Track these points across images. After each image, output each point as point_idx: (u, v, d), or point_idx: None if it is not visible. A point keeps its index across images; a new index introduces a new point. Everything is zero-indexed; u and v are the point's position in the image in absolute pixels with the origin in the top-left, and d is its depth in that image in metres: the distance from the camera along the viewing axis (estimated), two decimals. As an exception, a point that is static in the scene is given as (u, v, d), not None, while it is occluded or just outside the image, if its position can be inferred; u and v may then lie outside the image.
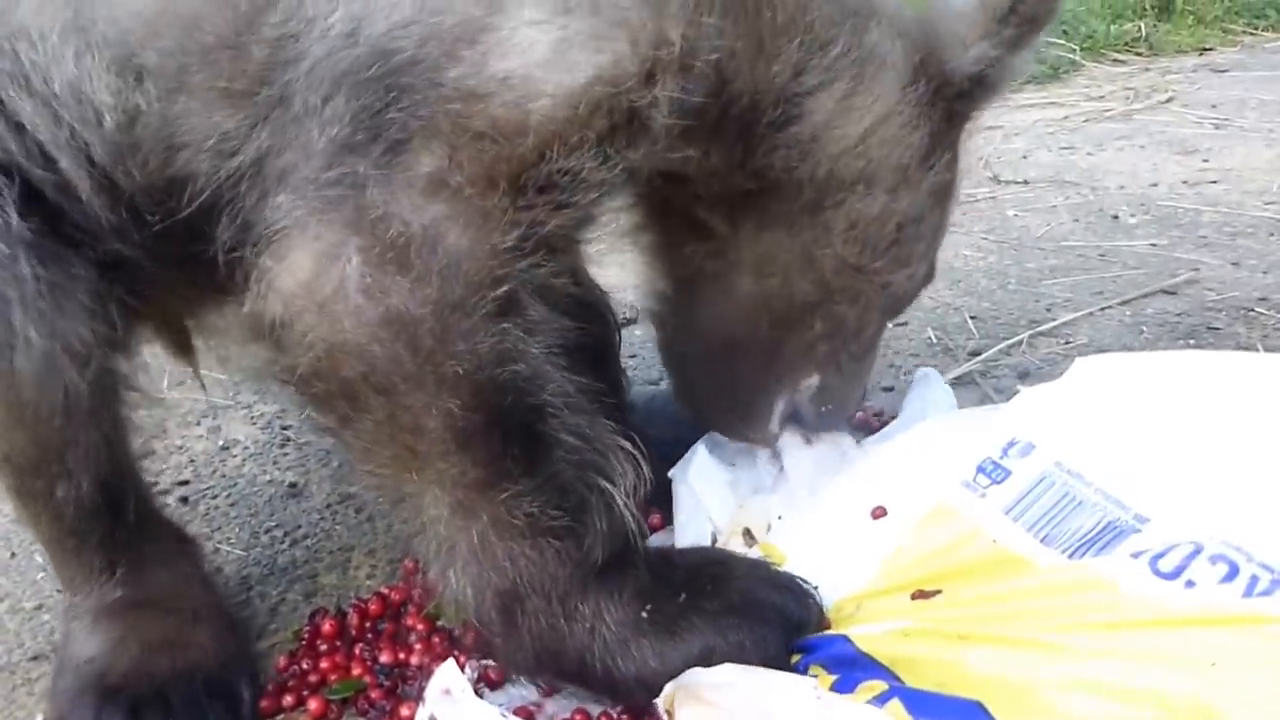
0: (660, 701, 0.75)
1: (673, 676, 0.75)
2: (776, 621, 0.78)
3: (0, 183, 0.72)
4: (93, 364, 0.76)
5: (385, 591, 0.97)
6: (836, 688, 0.73)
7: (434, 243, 0.68)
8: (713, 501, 0.97)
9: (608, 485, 0.76)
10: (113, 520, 0.84)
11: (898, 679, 0.72)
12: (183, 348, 0.98)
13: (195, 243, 0.76)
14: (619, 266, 1.13)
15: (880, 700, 0.70)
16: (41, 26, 0.71)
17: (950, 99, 0.87)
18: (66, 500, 0.79)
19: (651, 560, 0.82)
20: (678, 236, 0.92)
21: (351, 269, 0.68)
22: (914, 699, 0.69)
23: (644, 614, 0.77)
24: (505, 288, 0.70)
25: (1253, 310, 1.53)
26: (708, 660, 0.75)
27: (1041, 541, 0.78)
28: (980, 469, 0.86)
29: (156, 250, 0.79)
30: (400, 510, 0.76)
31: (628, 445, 0.78)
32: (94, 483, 0.80)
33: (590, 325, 0.98)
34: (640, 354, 1.47)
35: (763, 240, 0.88)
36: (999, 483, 0.84)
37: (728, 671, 0.74)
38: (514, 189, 0.69)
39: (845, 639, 0.78)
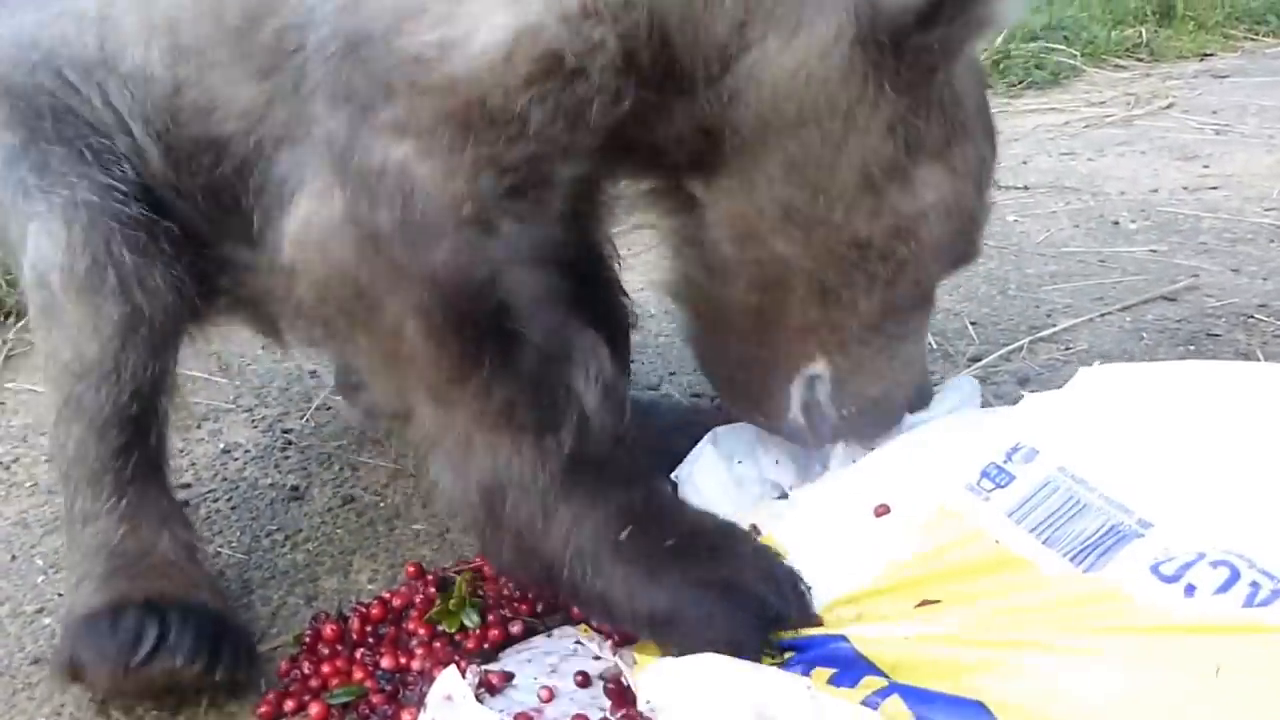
0: (631, 651, 0.77)
1: (637, 617, 0.79)
2: (753, 611, 0.79)
3: (116, 150, 0.94)
4: (160, 298, 0.92)
5: (387, 596, 0.97)
6: (835, 682, 0.73)
7: (401, 174, 0.79)
8: (719, 499, 0.97)
9: (578, 382, 0.82)
10: (135, 436, 0.94)
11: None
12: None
13: (235, 207, 0.91)
14: (622, 272, 1.14)
15: (881, 695, 0.70)
16: (119, 18, 0.94)
17: (897, 36, 0.82)
18: (107, 398, 0.92)
19: (661, 501, 0.87)
20: (674, 210, 0.94)
21: (337, 205, 0.80)
22: (914, 695, 0.69)
23: (622, 537, 0.81)
24: (470, 206, 0.79)
25: (1253, 317, 1.53)
26: (671, 619, 0.78)
27: (1044, 544, 0.79)
28: (984, 473, 0.86)
29: (207, 207, 0.96)
30: (402, 430, 0.87)
31: (591, 339, 0.84)
32: (133, 393, 0.93)
33: (607, 311, 1.07)
34: (639, 358, 1.48)
35: (727, 198, 0.88)
36: (1002, 486, 0.85)
37: (717, 662, 0.73)
38: (465, 128, 0.79)
39: (844, 639, 0.77)
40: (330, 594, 1.02)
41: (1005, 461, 0.86)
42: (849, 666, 0.75)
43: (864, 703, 0.70)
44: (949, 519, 0.84)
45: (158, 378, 0.95)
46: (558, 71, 0.78)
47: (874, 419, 0.97)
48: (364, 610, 0.95)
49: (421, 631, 0.92)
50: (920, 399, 1.01)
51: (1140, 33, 3.62)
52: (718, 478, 0.99)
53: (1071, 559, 0.77)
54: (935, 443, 0.94)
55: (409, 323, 0.80)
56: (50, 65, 0.96)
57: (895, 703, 0.69)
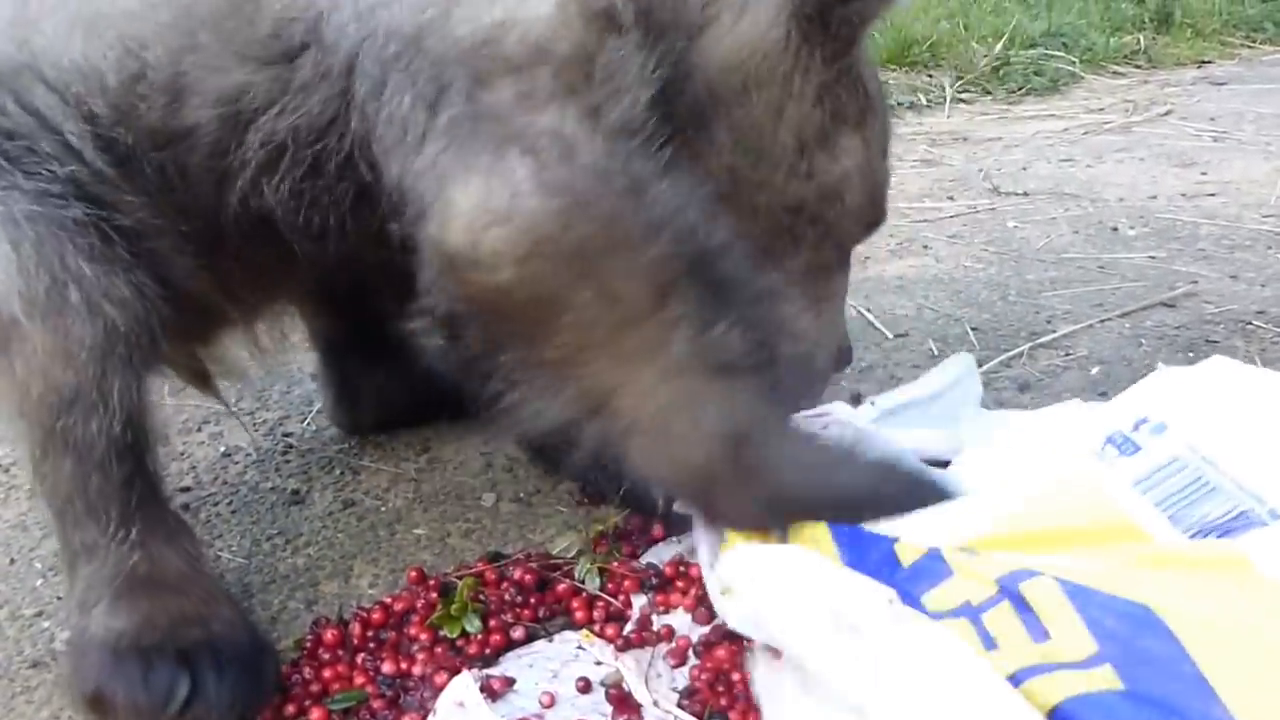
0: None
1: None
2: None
3: (37, 149, 0.85)
4: (130, 308, 0.84)
5: (388, 601, 0.96)
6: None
7: (567, 133, 0.76)
8: None
9: (782, 314, 0.85)
10: (136, 463, 0.88)
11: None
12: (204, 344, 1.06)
13: (200, 194, 0.87)
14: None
15: (1026, 574, 0.67)
16: (55, 21, 0.86)
17: (824, 9, 0.89)
18: (99, 433, 0.84)
19: None
20: None
21: (522, 171, 0.74)
22: (1067, 584, 0.65)
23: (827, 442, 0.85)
24: (632, 161, 0.77)
25: (1251, 323, 1.54)
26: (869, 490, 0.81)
27: (1169, 519, 0.75)
28: (1110, 440, 0.83)
29: (156, 218, 0.88)
30: (603, 414, 0.80)
31: (775, 279, 0.86)
32: (125, 421, 0.85)
33: None
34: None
35: (694, 173, 0.91)
36: (1128, 455, 0.81)
37: (806, 558, 0.74)
38: (579, 88, 0.78)
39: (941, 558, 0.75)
40: (331, 598, 1.02)
41: (1132, 431, 0.83)
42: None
43: (1003, 580, 0.68)
44: (1070, 483, 0.81)
45: (145, 396, 0.89)
46: (613, 28, 0.80)
47: (800, 378, 1.01)
48: (365, 615, 0.95)
49: (423, 637, 0.92)
50: (842, 359, 1.08)
51: (1138, 40, 3.64)
52: None
53: (1193, 538, 0.73)
54: (1055, 416, 0.92)
55: (639, 283, 0.76)
56: None
57: (1046, 583, 0.66)
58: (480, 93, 0.77)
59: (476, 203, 0.75)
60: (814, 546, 0.78)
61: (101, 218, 0.84)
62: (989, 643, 0.65)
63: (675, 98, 0.87)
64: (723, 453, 0.79)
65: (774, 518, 0.82)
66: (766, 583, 0.73)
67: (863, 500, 0.81)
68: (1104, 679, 0.59)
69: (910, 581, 0.73)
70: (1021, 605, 0.66)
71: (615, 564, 0.98)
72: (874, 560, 0.76)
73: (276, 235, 0.91)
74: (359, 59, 0.81)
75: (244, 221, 0.90)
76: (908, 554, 0.75)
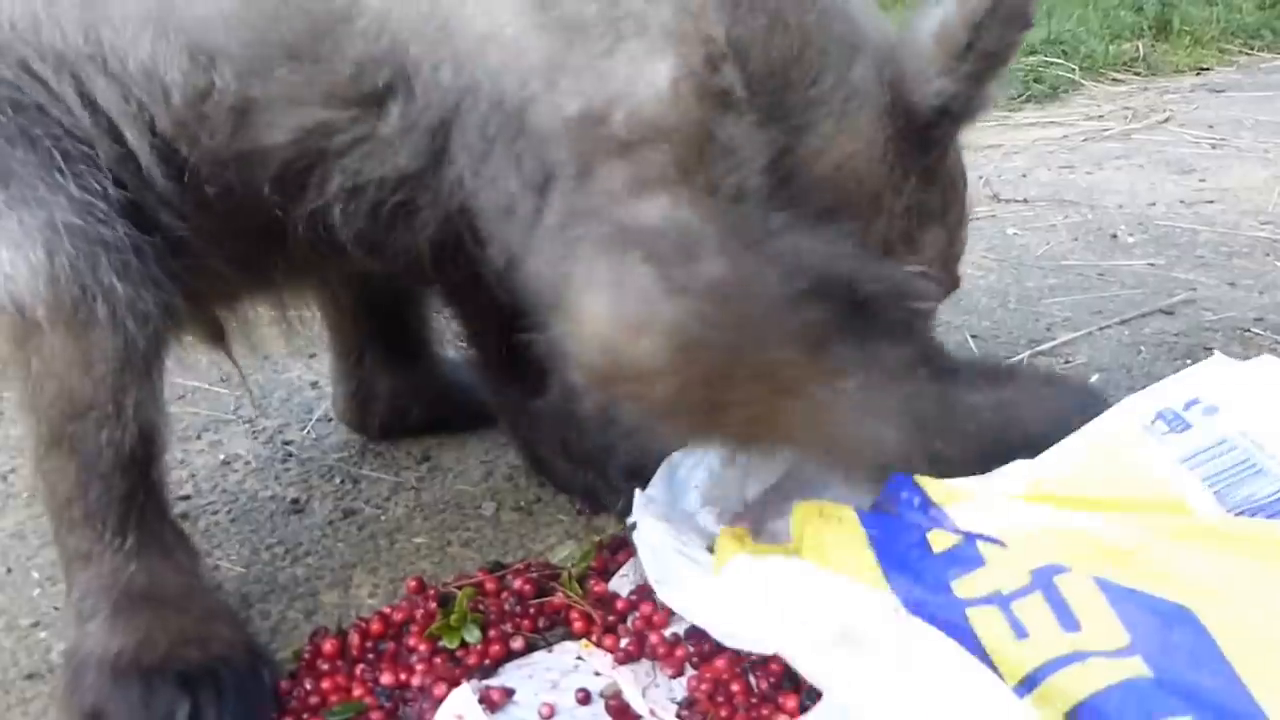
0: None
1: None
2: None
3: (96, 159, 0.83)
4: (151, 324, 0.83)
5: (387, 611, 0.96)
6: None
7: (678, 226, 0.74)
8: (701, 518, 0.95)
9: (924, 307, 0.86)
10: (140, 476, 0.87)
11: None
12: (215, 336, 1.05)
13: (259, 214, 0.85)
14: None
15: (1056, 569, 0.67)
16: (125, 15, 0.82)
17: (919, 130, 0.90)
18: (110, 443, 0.84)
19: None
20: None
21: (647, 281, 0.72)
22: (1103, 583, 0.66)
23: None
24: (758, 225, 0.77)
25: (1249, 330, 1.54)
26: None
27: (1215, 496, 0.75)
28: (1160, 415, 0.83)
29: (207, 225, 0.87)
30: (787, 447, 0.84)
31: (914, 268, 0.88)
32: (138, 431, 0.85)
33: None
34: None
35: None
36: (1178, 432, 0.81)
37: (806, 571, 0.74)
38: (697, 168, 0.76)
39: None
40: (330, 609, 1.01)
41: (1184, 409, 0.82)
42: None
43: (1037, 571, 0.68)
44: (1116, 451, 0.80)
45: (160, 410, 0.88)
46: (724, 103, 0.79)
47: None
48: (364, 626, 0.95)
49: (422, 647, 0.91)
50: None
51: (1137, 47, 3.64)
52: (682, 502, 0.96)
53: (1237, 516, 0.73)
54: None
55: (789, 350, 0.76)
56: (10, 55, 0.83)
57: (1080, 579, 0.65)
58: (589, 177, 0.76)
59: (611, 318, 0.73)
60: (842, 531, 0.79)
61: (143, 238, 0.84)
62: (1020, 631, 0.65)
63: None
64: (919, 454, 0.80)
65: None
66: (770, 595, 0.72)
67: (1054, 430, 0.81)
68: (1134, 668, 0.60)
69: (941, 568, 0.73)
70: (1055, 597, 0.66)
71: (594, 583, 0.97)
72: (905, 546, 0.76)
73: (333, 247, 0.89)
74: (457, 122, 0.79)
75: (303, 238, 0.88)
76: (939, 541, 0.75)
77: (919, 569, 0.73)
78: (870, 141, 0.88)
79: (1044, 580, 0.67)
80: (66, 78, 0.83)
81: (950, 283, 1.01)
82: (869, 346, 0.78)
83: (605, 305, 0.73)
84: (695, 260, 0.74)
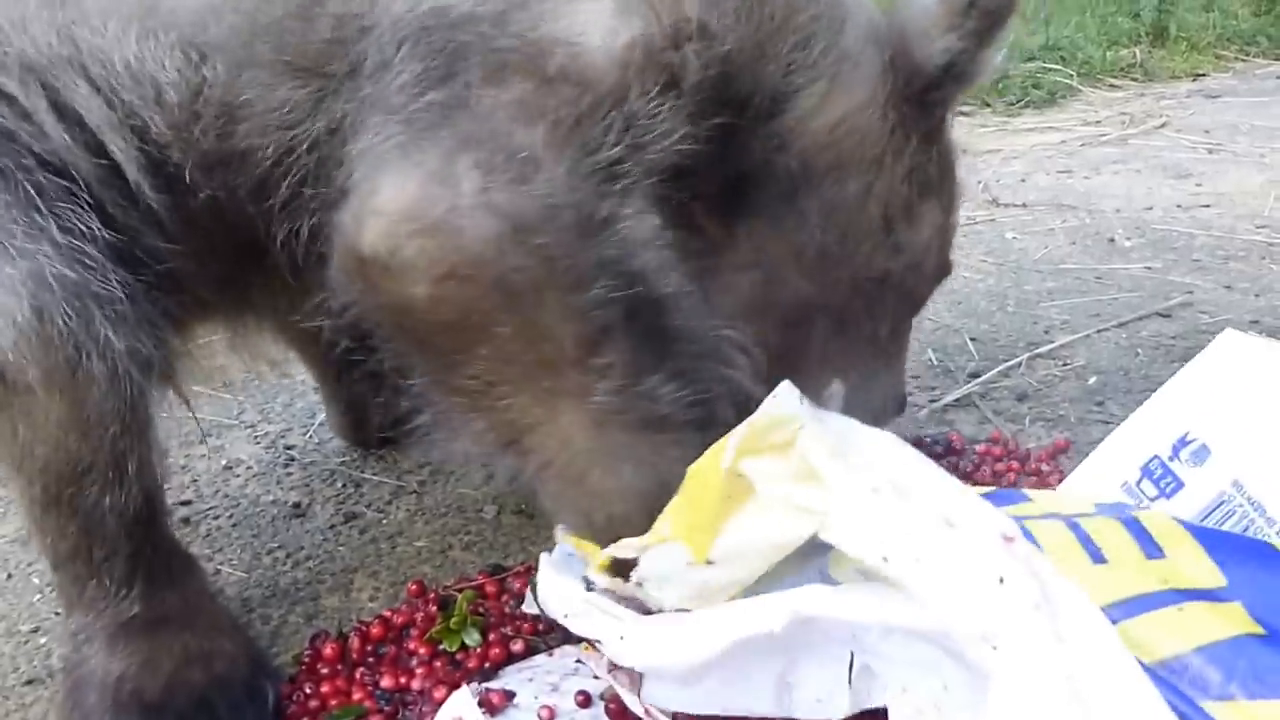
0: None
1: None
2: None
3: (78, 191, 0.75)
4: (154, 371, 0.78)
5: (387, 614, 0.96)
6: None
7: (538, 158, 0.71)
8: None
9: (731, 373, 0.79)
10: (146, 532, 0.83)
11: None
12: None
13: (241, 227, 0.81)
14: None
15: (1137, 505, 0.61)
16: (104, 11, 0.75)
17: (921, 90, 0.90)
18: (113, 508, 0.78)
19: None
20: (687, 245, 0.93)
21: (466, 184, 0.69)
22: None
23: None
24: (613, 202, 0.74)
25: (1245, 333, 1.53)
26: None
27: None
28: (1146, 471, 0.77)
29: (192, 241, 0.82)
30: (514, 449, 0.75)
31: (736, 334, 0.81)
32: (143, 492, 0.80)
33: None
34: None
35: (752, 236, 0.90)
36: (1168, 496, 0.75)
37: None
38: (593, 125, 0.75)
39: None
40: (331, 612, 1.01)
41: (1172, 458, 0.77)
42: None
43: (1105, 506, 0.62)
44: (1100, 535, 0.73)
45: (161, 462, 0.82)
46: (671, 85, 0.78)
47: (877, 413, 1.00)
48: (364, 629, 0.95)
49: (422, 650, 0.91)
50: (898, 406, 1.06)
51: (1134, 53, 3.66)
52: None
53: None
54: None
55: (571, 325, 0.71)
56: None
57: (1161, 517, 0.60)
58: (488, 85, 0.73)
59: (408, 204, 0.69)
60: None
61: (133, 279, 0.77)
62: (1096, 555, 0.59)
63: (760, 167, 0.87)
64: (641, 508, 0.74)
65: None
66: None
67: None
68: (1240, 619, 0.54)
69: None
70: (1134, 525, 0.60)
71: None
72: None
73: (307, 260, 0.83)
74: (378, 40, 0.76)
75: (281, 255, 0.84)
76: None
77: None
78: (867, 101, 0.88)
79: (1120, 513, 0.61)
80: (35, 89, 0.76)
81: (942, 268, 1.00)
82: (647, 377, 0.74)
83: (413, 189, 0.69)
84: (523, 191, 0.70)
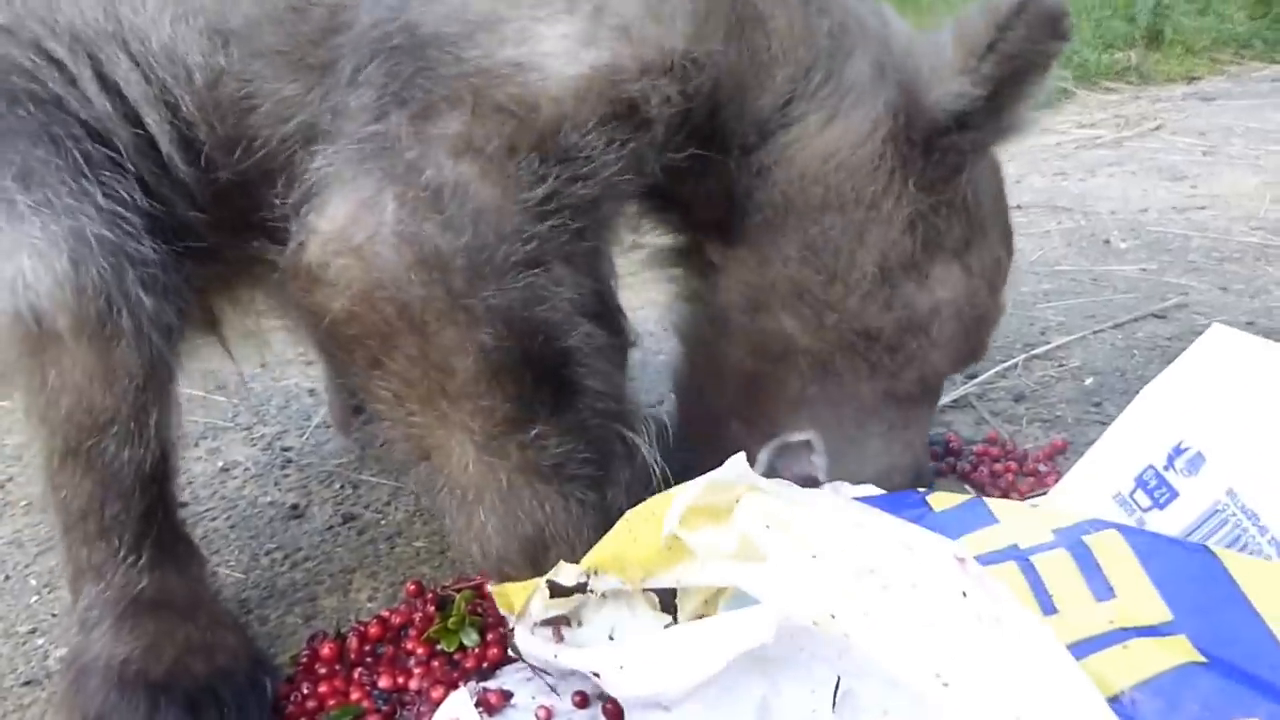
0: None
1: None
2: None
3: (121, 161, 0.80)
4: (174, 336, 0.81)
5: (385, 614, 0.96)
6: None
7: (464, 194, 0.73)
8: None
9: (632, 435, 0.79)
10: (159, 494, 0.85)
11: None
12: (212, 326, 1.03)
13: (253, 208, 0.82)
14: (620, 291, 1.14)
15: (1093, 526, 0.61)
16: None
17: (926, 135, 0.85)
18: (132, 460, 0.81)
19: None
20: (689, 265, 0.95)
21: (388, 214, 0.73)
22: (1133, 531, 0.60)
23: None
24: (532, 243, 0.75)
25: (1233, 329, 1.54)
26: None
27: None
28: (1140, 482, 0.77)
29: (218, 214, 0.85)
30: (425, 465, 0.79)
31: (646, 400, 0.83)
32: (160, 449, 0.83)
33: (609, 332, 1.00)
34: (639, 378, 1.48)
35: (742, 267, 0.89)
36: (1161, 506, 0.75)
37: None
38: (532, 157, 0.75)
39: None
40: (329, 613, 1.01)
41: (1166, 467, 0.76)
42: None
43: (1062, 530, 0.62)
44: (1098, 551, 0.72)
45: (179, 425, 0.86)
46: (629, 118, 0.77)
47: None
48: (362, 629, 0.94)
49: (420, 650, 0.91)
50: (918, 482, 1.00)
51: (1130, 56, 3.67)
52: None
53: None
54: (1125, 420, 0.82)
55: (465, 360, 0.74)
56: (23, 34, 0.80)
57: (1112, 537, 0.61)
58: (432, 116, 0.75)
59: (340, 226, 0.74)
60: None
61: (167, 249, 0.81)
62: (1047, 605, 0.60)
63: (741, 198, 0.85)
64: (520, 552, 0.78)
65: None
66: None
67: None
68: (1184, 650, 0.55)
69: (946, 525, 0.69)
70: (1085, 558, 0.61)
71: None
72: (900, 513, 0.71)
73: None
74: (354, 41, 0.78)
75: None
76: (941, 501, 0.72)
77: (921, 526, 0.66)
78: (863, 138, 0.84)
79: (1072, 540, 0.62)
80: (83, 58, 0.80)
81: (970, 350, 0.93)
82: (533, 426, 0.75)
83: (345, 213, 0.74)
84: (437, 226, 0.72)
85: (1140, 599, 0.59)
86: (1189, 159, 2.58)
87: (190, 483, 1.25)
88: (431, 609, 0.95)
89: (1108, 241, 2.00)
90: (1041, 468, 1.18)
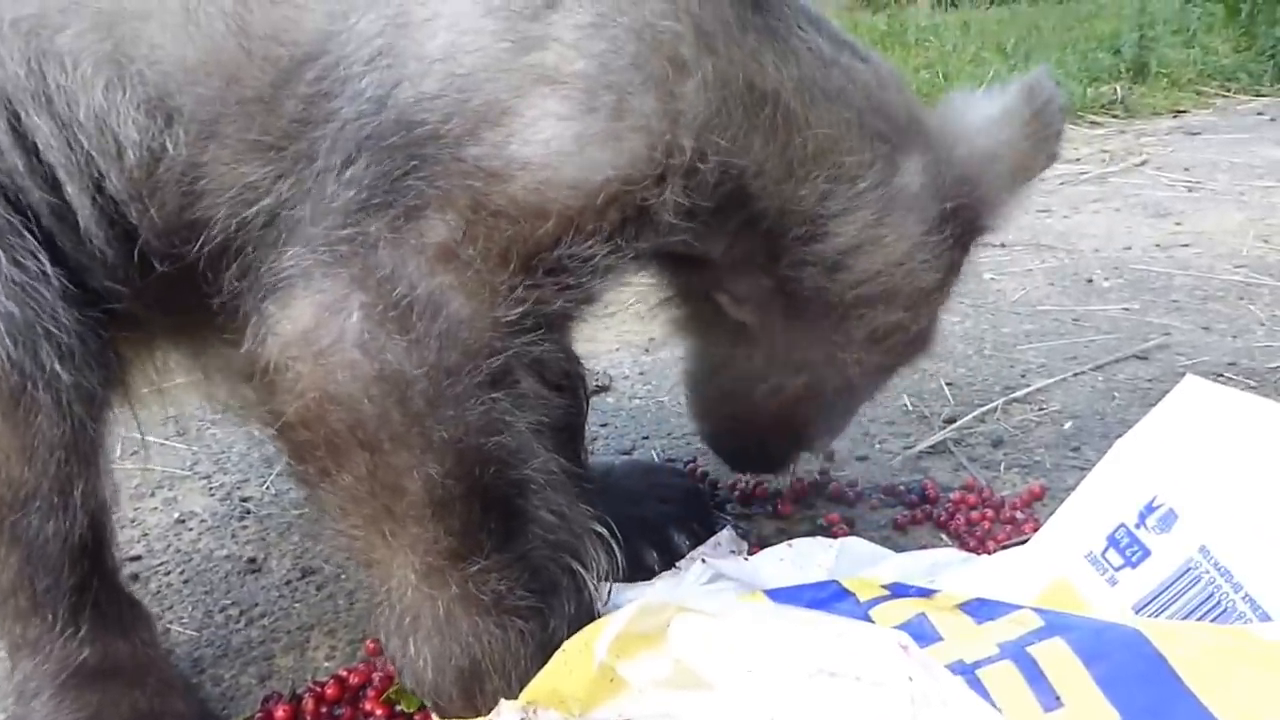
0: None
1: None
2: None
3: (30, 227, 0.75)
4: (97, 404, 0.78)
5: (343, 674, 0.93)
6: (971, 611, 0.66)
7: (436, 309, 0.70)
8: None
9: (580, 569, 0.76)
10: (93, 565, 0.82)
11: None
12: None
13: (194, 289, 0.78)
14: (595, 332, 1.13)
15: (1037, 635, 0.62)
16: (76, 53, 0.74)
17: (977, 236, 0.97)
18: (57, 535, 0.78)
19: None
20: (709, 318, 0.99)
21: (352, 323, 0.69)
22: (1077, 630, 0.60)
23: None
24: (500, 359, 0.72)
25: (1222, 375, 1.53)
26: None
27: None
28: (1112, 541, 0.76)
29: (147, 293, 0.81)
30: (367, 575, 0.77)
31: (603, 530, 0.79)
32: (88, 521, 0.80)
33: (564, 396, 0.98)
34: (612, 422, 1.46)
35: (790, 338, 0.95)
36: (1134, 565, 0.74)
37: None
38: (524, 269, 0.72)
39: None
40: (285, 672, 0.98)
41: (1138, 525, 0.76)
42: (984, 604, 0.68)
43: (1007, 644, 0.62)
44: (1063, 598, 0.74)
45: (107, 492, 0.82)
46: (636, 220, 0.74)
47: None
48: (319, 690, 0.92)
49: (379, 711, 0.89)
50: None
51: (1115, 89, 3.69)
52: None
53: None
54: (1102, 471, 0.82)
55: (412, 483, 0.70)
56: None
57: (1057, 645, 0.61)
58: (416, 221, 0.70)
59: (302, 329, 0.70)
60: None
61: (85, 316, 0.77)
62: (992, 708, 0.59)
63: (808, 285, 0.89)
64: (455, 683, 0.75)
65: None
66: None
67: None
68: None
69: None
70: (1031, 669, 0.61)
71: None
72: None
73: None
74: (338, 133, 0.73)
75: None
76: (885, 616, 0.71)
77: None
78: (921, 244, 0.89)
79: (1017, 652, 0.62)
80: (0, 112, 0.75)
81: (928, 349, 1.03)
82: (479, 559, 0.72)
83: (308, 317, 0.70)
84: (400, 344, 0.69)
85: (1089, 705, 0.58)
86: (1174, 195, 2.58)
87: (145, 535, 1.22)
88: (391, 668, 0.92)
89: (1090, 280, 1.99)
90: (1019, 515, 1.16)
